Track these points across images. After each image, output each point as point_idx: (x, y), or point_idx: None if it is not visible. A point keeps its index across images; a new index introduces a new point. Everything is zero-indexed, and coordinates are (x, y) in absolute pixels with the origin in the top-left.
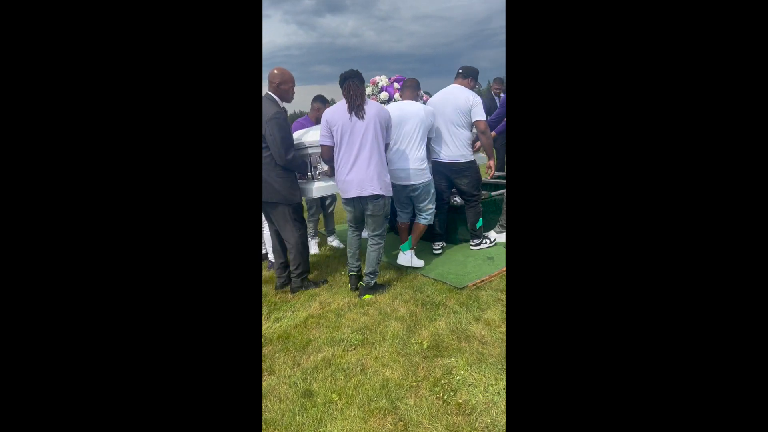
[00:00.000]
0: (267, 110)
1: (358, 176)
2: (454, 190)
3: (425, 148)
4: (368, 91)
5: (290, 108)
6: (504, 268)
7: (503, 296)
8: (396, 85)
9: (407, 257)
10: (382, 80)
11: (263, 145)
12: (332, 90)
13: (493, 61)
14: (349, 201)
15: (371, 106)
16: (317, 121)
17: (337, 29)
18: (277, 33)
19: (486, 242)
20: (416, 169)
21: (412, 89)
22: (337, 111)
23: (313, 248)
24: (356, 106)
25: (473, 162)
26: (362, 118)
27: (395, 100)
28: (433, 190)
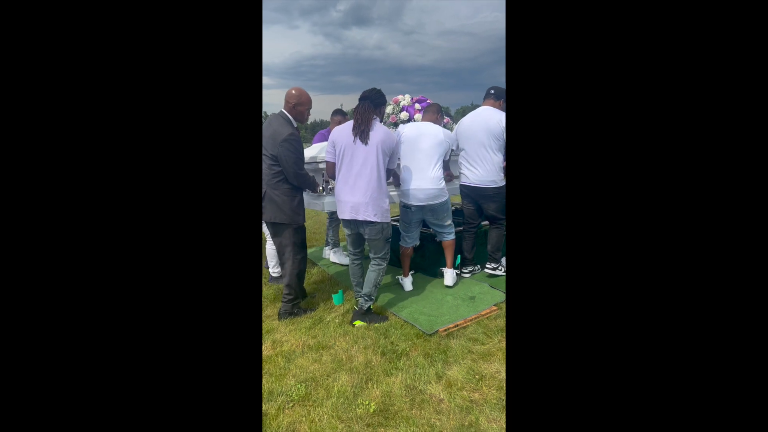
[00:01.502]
0: (280, 130)
1: (353, 199)
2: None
3: (441, 169)
4: (389, 109)
5: (312, 116)
6: (483, 312)
7: (476, 347)
8: (417, 106)
9: (451, 275)
10: (405, 100)
11: (271, 162)
12: (354, 100)
13: None
14: (346, 222)
15: (377, 132)
16: None
17: (363, 41)
18: (305, 43)
19: (501, 269)
20: (433, 188)
21: (433, 113)
22: (344, 131)
23: (338, 257)
24: (361, 131)
25: (503, 188)
26: (365, 143)
27: (415, 121)
28: (450, 207)
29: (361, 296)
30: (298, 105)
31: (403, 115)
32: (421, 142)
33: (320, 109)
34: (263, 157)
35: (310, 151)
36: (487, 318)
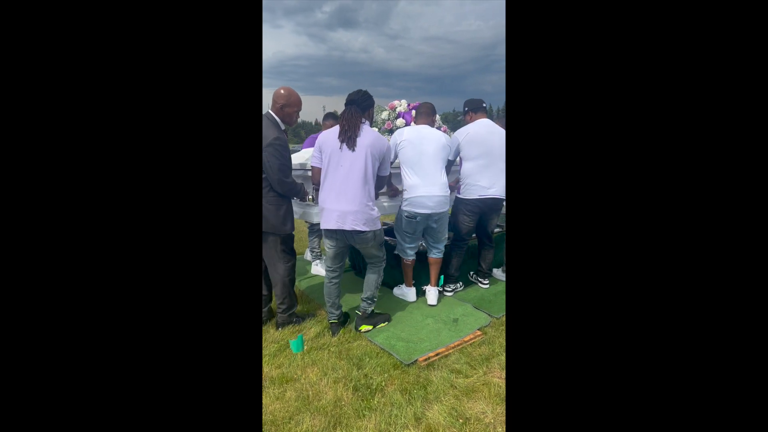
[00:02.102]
0: (266, 134)
1: (339, 207)
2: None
3: (446, 176)
4: (384, 115)
5: (302, 115)
6: (467, 337)
7: (459, 380)
8: (413, 113)
9: (434, 294)
10: (402, 105)
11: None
12: (337, 102)
13: (496, 85)
14: (330, 232)
15: (366, 136)
16: None
17: (348, 44)
18: (288, 43)
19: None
20: (442, 195)
21: (427, 115)
22: (330, 136)
23: (321, 269)
24: (348, 137)
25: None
26: (353, 149)
27: None
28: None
29: (363, 300)
30: (287, 106)
31: (399, 122)
32: (425, 146)
33: (304, 108)
34: None
35: (299, 157)
36: (470, 345)
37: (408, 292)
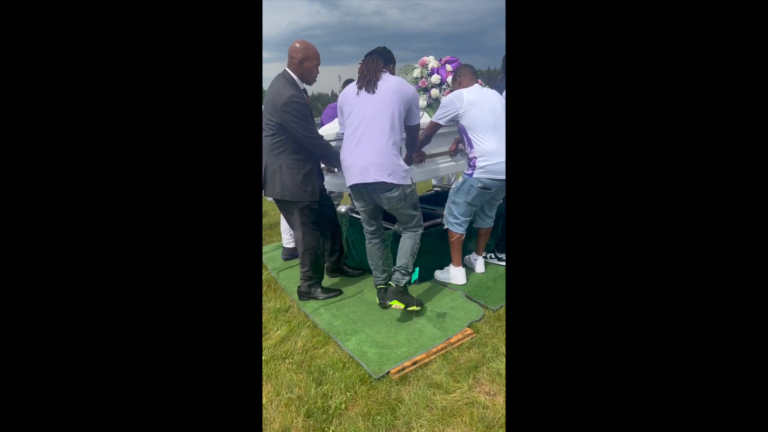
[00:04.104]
0: (281, 92)
1: (361, 160)
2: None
3: None
4: (416, 73)
5: (310, 89)
6: (453, 338)
7: (437, 398)
8: (449, 67)
9: (482, 262)
10: (432, 62)
11: (272, 130)
12: (353, 70)
13: None
14: (356, 191)
15: (389, 80)
16: None
17: (361, 8)
18: (301, 13)
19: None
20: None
21: (471, 77)
22: (348, 91)
23: None
24: (367, 81)
25: None
26: (373, 92)
27: (448, 85)
28: None
29: (396, 270)
30: (306, 60)
31: (435, 78)
32: (496, 107)
33: (319, 81)
34: (263, 125)
35: (324, 131)
36: (458, 347)
37: (457, 274)
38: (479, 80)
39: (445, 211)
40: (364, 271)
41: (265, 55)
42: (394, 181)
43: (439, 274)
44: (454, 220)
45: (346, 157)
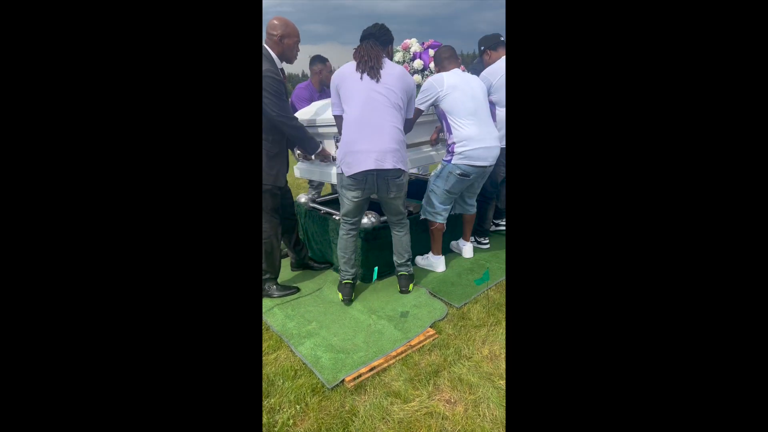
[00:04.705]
0: None
1: (377, 146)
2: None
3: None
4: (398, 57)
5: (288, 68)
6: (414, 340)
7: (395, 408)
8: (431, 52)
9: (470, 248)
10: (414, 45)
11: None
12: (325, 50)
13: (492, 23)
14: (360, 179)
15: (393, 67)
16: (321, 88)
17: None
18: None
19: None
20: (499, 147)
21: (454, 59)
22: (345, 71)
23: None
24: (370, 68)
25: None
26: (377, 80)
27: (431, 71)
28: None
29: (403, 265)
30: (285, 37)
31: (417, 63)
32: (476, 91)
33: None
34: None
35: (305, 113)
36: (419, 350)
37: (437, 262)
38: (461, 66)
39: (423, 201)
40: (332, 265)
41: None
42: (404, 168)
43: (420, 260)
44: (432, 210)
45: (356, 141)
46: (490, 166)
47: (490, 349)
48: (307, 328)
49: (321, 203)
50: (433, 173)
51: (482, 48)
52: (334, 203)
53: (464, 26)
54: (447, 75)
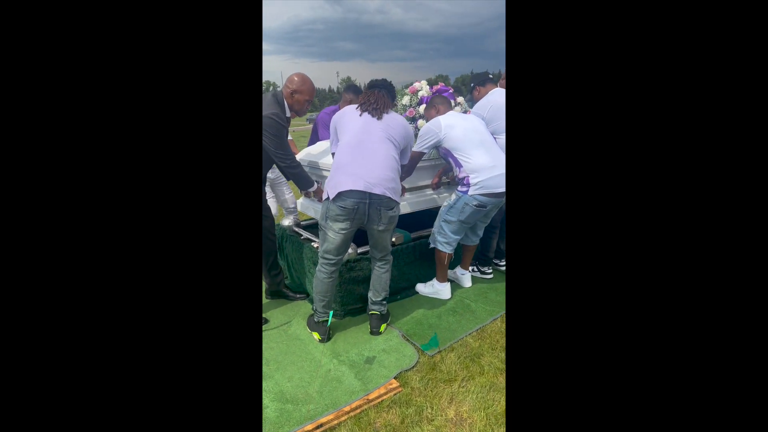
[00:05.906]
0: (265, 107)
1: (370, 170)
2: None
3: None
4: (405, 100)
5: (317, 83)
6: (373, 393)
7: None
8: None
9: (469, 277)
10: (423, 89)
11: None
12: (353, 67)
13: None
14: (351, 207)
15: (395, 116)
16: None
17: (364, 5)
18: (303, 6)
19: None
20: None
21: (448, 105)
22: (345, 110)
23: None
24: (373, 109)
25: None
26: (379, 118)
27: (417, 127)
28: None
29: (378, 304)
30: (297, 93)
31: (423, 108)
32: (475, 124)
33: (317, 76)
34: None
35: (311, 152)
36: (376, 406)
37: (443, 289)
38: (466, 107)
39: (434, 229)
40: (308, 295)
41: (265, 47)
42: (397, 199)
43: (422, 288)
44: (443, 239)
45: (348, 164)
46: (502, 198)
47: (457, 410)
48: (264, 369)
49: (305, 227)
50: (446, 204)
51: (472, 85)
52: (316, 227)
53: (491, 46)
54: (442, 117)
